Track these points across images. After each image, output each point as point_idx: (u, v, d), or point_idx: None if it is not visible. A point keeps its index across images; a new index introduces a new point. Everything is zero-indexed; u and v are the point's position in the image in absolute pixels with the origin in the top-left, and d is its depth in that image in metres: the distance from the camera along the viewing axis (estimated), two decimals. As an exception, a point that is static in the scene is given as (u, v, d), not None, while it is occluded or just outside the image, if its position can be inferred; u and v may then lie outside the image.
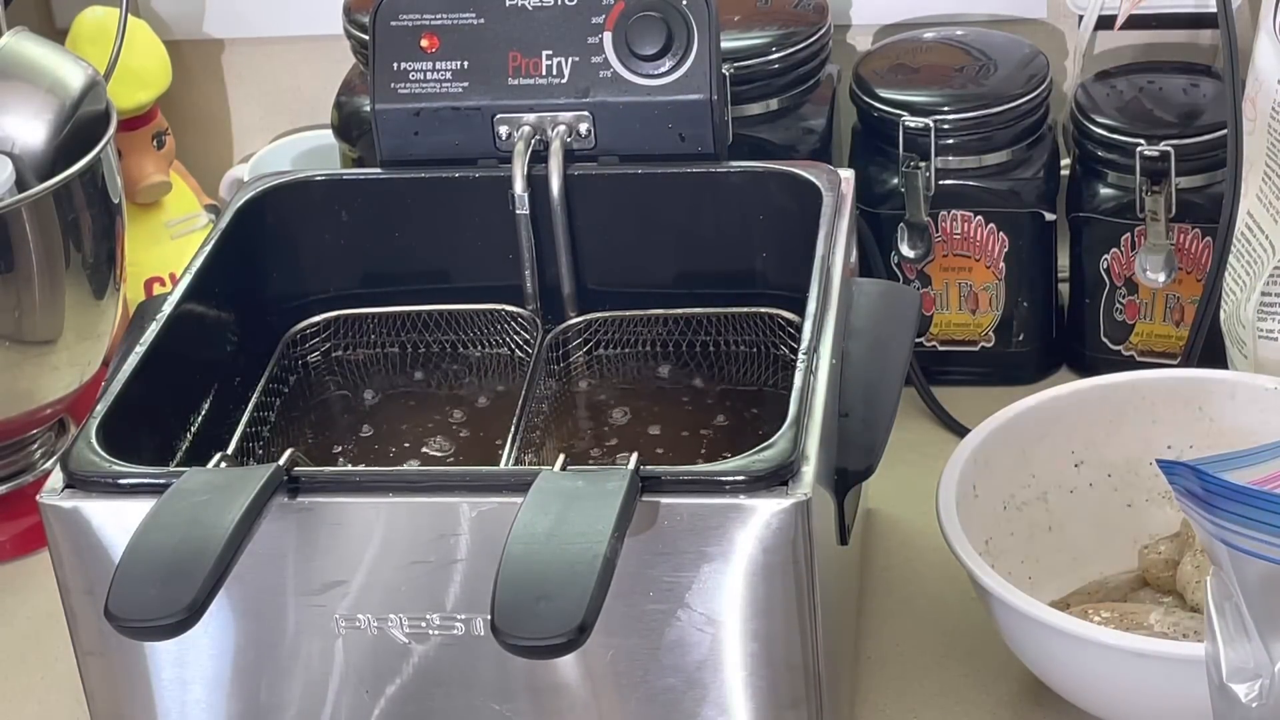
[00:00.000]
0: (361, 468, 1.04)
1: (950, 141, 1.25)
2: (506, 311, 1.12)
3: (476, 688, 0.90)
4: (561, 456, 0.88)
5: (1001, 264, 1.28)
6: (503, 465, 0.99)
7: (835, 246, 1.01)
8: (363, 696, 0.91)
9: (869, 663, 1.08)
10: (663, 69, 1.09)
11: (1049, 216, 1.27)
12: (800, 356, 0.93)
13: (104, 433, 0.91)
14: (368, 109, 1.13)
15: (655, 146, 1.09)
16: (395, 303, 1.12)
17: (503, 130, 1.10)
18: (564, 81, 1.09)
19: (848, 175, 1.08)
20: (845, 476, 0.96)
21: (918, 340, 1.29)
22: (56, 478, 0.90)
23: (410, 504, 0.87)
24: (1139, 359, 1.28)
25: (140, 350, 0.97)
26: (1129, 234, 1.25)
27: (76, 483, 0.90)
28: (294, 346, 1.12)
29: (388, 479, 0.89)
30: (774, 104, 1.28)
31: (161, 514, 0.84)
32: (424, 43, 1.10)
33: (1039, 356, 1.32)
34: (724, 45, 1.15)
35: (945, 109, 1.25)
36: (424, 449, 1.06)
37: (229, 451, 0.98)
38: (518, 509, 0.82)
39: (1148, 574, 1.06)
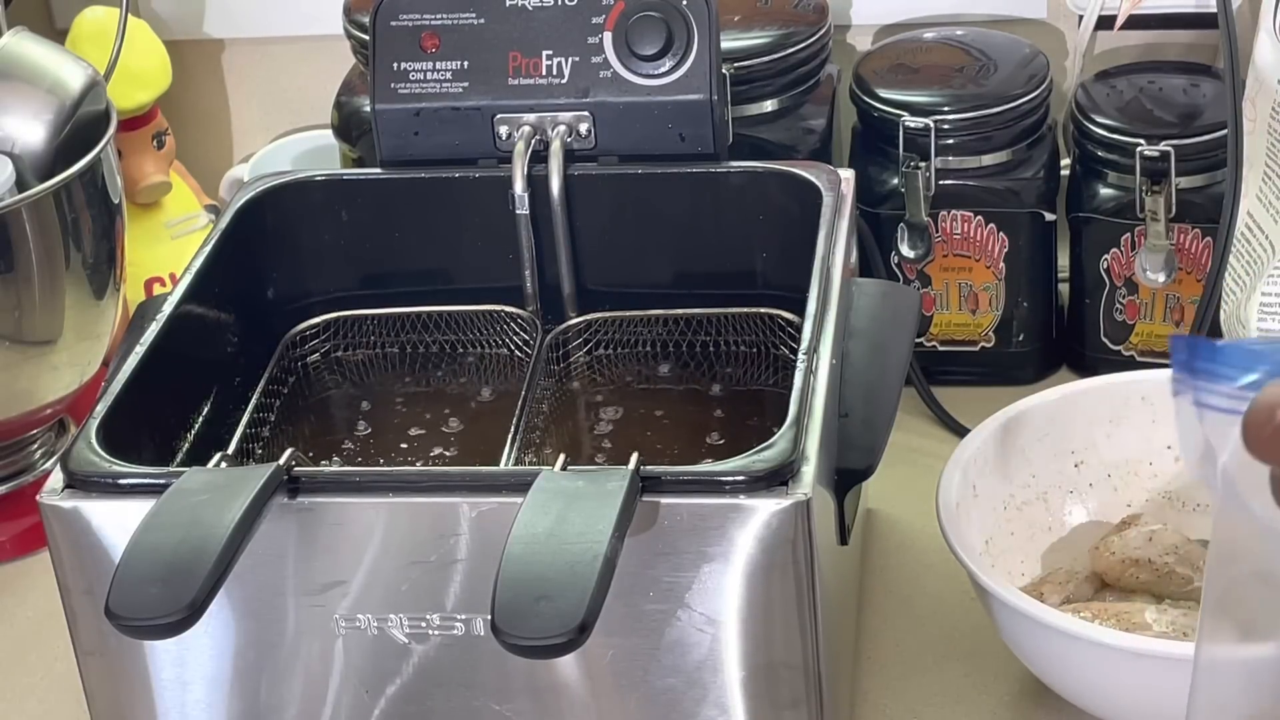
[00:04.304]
0: (361, 468, 1.04)
1: (950, 141, 1.25)
2: (506, 312, 1.12)
3: (476, 688, 0.90)
4: (562, 456, 0.88)
5: (1001, 264, 1.27)
6: (503, 465, 0.99)
7: (835, 246, 1.01)
8: (363, 696, 0.91)
9: (869, 663, 1.08)
10: (663, 69, 1.09)
11: (1049, 216, 1.27)
12: (800, 356, 0.92)
13: (104, 433, 0.91)
14: (368, 109, 1.13)
15: (655, 146, 1.09)
16: (395, 303, 1.12)
17: (503, 130, 1.10)
18: (564, 81, 1.09)
19: (848, 175, 1.08)
20: (845, 476, 0.96)
21: (918, 340, 1.28)
22: (56, 478, 0.90)
23: (410, 504, 0.87)
24: (1139, 359, 1.28)
25: (140, 350, 0.97)
26: (1129, 234, 1.25)
27: (76, 483, 0.89)
28: (294, 347, 1.12)
29: (388, 479, 0.89)
30: (774, 104, 1.28)
31: (161, 514, 0.84)
32: (424, 43, 1.10)
33: (1039, 356, 1.31)
34: (724, 45, 1.15)
35: (945, 109, 1.24)
36: (424, 449, 1.06)
37: (229, 451, 0.98)
38: (518, 509, 0.82)
39: (1106, 575, 1.06)
